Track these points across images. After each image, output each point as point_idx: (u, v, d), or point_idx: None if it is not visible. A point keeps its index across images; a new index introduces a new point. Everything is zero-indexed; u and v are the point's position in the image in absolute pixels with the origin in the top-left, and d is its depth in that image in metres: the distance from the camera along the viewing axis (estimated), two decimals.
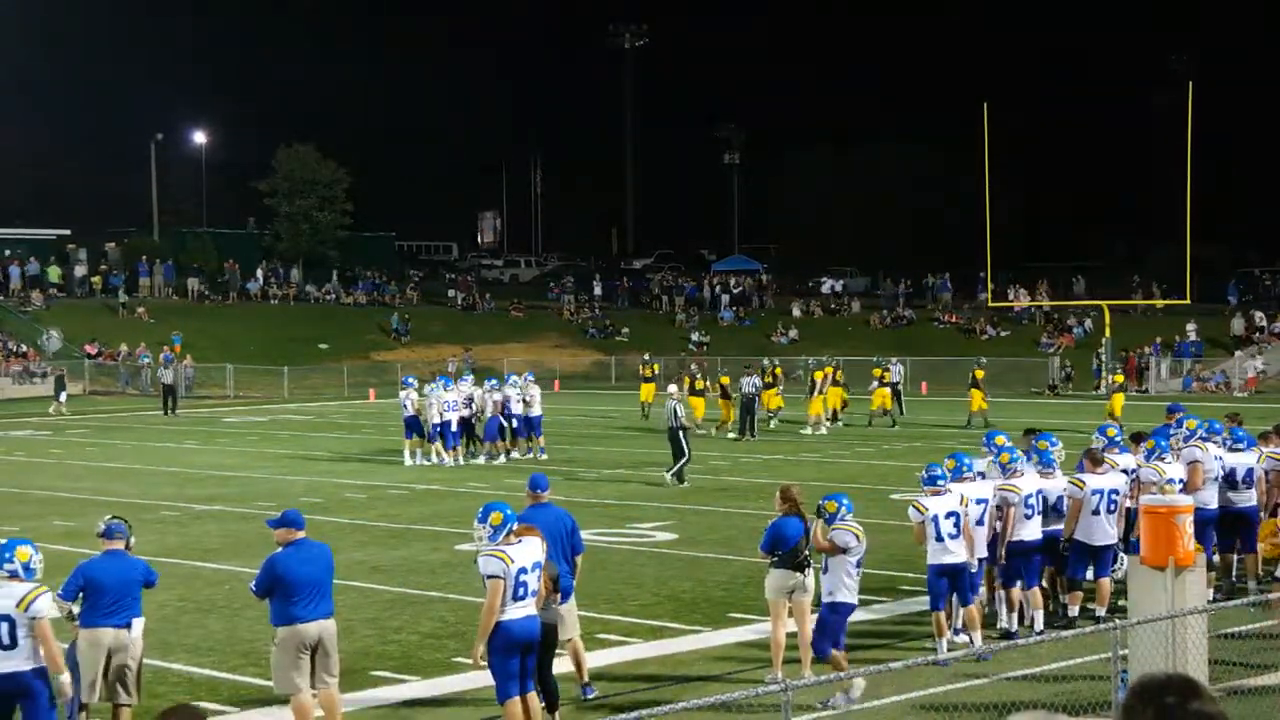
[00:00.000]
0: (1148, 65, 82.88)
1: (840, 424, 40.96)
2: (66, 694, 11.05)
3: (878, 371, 43.10)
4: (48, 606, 10.81)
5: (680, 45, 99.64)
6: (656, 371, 47.42)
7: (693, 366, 44.78)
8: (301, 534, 12.14)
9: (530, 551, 11.70)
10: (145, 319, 64.57)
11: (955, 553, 14.44)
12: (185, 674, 14.39)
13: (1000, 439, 16.46)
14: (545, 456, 33.09)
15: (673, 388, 31.90)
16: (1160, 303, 61.89)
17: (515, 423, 33.47)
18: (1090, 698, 12.07)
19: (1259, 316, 61.23)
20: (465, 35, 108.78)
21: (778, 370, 42.19)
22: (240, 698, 13.52)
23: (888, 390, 42.13)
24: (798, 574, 13.62)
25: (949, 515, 14.47)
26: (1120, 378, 45.27)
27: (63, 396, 49.99)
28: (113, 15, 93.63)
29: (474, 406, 33.45)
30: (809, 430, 39.19)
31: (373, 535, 22.77)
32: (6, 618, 10.60)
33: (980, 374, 41.48)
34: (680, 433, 28.61)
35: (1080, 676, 13.29)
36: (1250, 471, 17.26)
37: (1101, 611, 15.52)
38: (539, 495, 13.75)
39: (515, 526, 11.84)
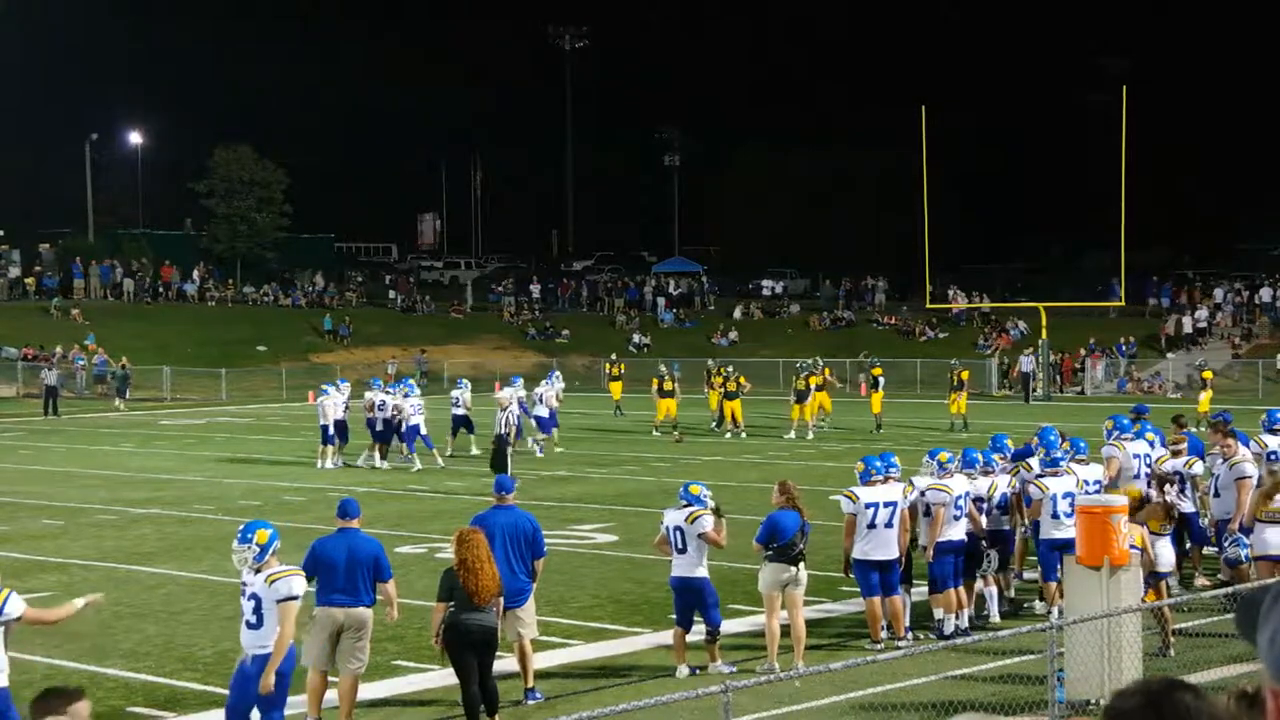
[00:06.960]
0: (1084, 68, 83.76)
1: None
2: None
3: (878, 371, 42.86)
4: (19, 608, 10.36)
5: (620, 46, 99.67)
6: (624, 371, 47.34)
7: (661, 367, 43.34)
8: (351, 523, 12.56)
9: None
10: (80, 321, 63.87)
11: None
12: (121, 679, 14.27)
13: (1009, 441, 16.97)
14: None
15: (507, 391, 30.63)
16: (1095, 305, 62.34)
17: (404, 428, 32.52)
18: (1026, 698, 12.17)
19: (1199, 317, 61.93)
20: (403, 35, 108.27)
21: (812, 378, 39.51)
22: (178, 702, 13.42)
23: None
24: (791, 568, 13.79)
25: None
26: (1209, 374, 44.32)
27: (125, 394, 52.85)
28: (45, 14, 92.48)
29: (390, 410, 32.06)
30: (811, 434, 38.44)
31: (311, 538, 22.54)
32: None
33: (965, 375, 41.42)
34: (506, 443, 27.81)
35: (1017, 677, 13.40)
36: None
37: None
38: (504, 498, 13.79)
39: (277, 545, 11.58)
